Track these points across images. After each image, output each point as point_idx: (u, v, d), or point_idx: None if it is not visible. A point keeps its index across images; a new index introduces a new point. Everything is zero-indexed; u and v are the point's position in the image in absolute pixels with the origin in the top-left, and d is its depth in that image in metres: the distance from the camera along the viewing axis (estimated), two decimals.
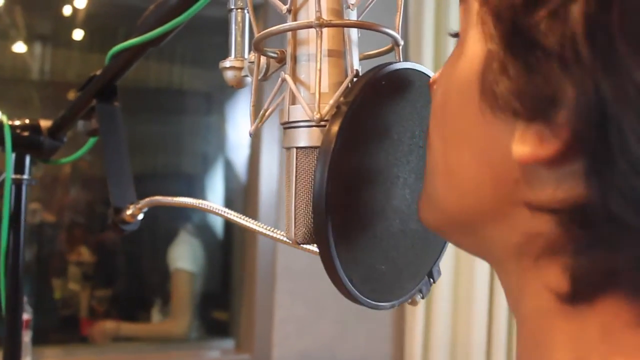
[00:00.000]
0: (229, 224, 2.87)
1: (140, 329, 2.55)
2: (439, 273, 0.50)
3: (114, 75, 0.74)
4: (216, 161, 3.06)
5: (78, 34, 3.09)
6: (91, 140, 0.82)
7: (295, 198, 0.43)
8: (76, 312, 2.83)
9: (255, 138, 2.25)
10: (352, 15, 0.44)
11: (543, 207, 0.31)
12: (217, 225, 2.96)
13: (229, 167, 2.93)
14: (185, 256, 2.53)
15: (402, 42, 0.46)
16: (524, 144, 0.30)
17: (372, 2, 0.46)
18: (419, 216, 0.41)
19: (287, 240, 0.51)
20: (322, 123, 0.41)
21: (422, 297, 0.49)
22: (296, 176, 0.43)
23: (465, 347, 2.17)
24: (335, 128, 0.38)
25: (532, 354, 0.34)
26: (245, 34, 0.53)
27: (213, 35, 2.95)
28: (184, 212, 2.73)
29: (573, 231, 0.30)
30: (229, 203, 2.85)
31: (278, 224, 2.15)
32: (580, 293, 0.31)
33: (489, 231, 0.35)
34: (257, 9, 2.32)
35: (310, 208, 0.43)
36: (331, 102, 0.40)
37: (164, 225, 2.75)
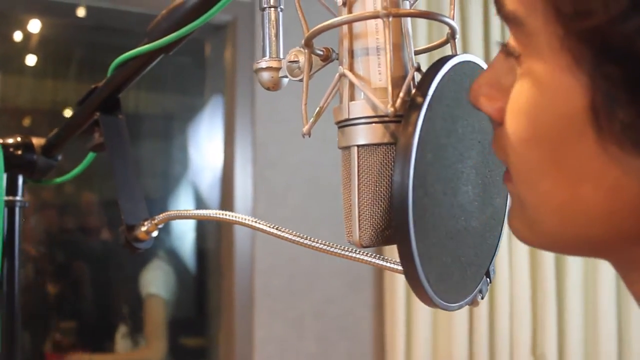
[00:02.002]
0: (201, 248, 2.81)
1: (114, 359, 2.46)
2: (494, 272, 0.48)
3: (118, 87, 0.70)
4: (182, 185, 3.01)
5: (31, 60, 3.01)
6: (90, 156, 0.78)
7: (358, 200, 0.41)
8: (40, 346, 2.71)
9: (228, 157, 2.22)
10: (408, 6, 0.43)
11: None
12: (188, 250, 2.89)
13: (196, 191, 2.89)
14: (158, 282, 2.46)
15: (458, 35, 0.44)
16: None
17: None
18: (520, 239, 0.38)
19: (343, 253, 0.48)
20: (387, 119, 0.40)
21: (482, 297, 0.47)
22: (359, 176, 0.41)
23: None
24: (413, 120, 0.37)
25: None
26: (280, 33, 0.51)
27: (170, 57, 2.91)
28: (156, 238, 2.66)
29: None
30: (200, 224, 2.79)
31: (254, 242, 2.11)
32: None
33: (624, 252, 0.33)
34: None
35: (378, 208, 0.41)
36: (401, 94, 0.39)
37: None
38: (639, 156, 0.28)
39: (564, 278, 2.26)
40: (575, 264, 2.25)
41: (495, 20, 2.27)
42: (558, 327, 2.25)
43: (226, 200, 2.23)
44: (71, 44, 3.04)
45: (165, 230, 2.76)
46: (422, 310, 2.15)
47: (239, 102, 2.19)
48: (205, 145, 2.78)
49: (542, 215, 0.34)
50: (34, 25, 2.76)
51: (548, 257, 2.23)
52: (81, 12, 2.41)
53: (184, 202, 2.97)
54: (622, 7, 0.26)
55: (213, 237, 2.55)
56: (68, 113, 3.19)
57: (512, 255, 2.22)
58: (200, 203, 2.82)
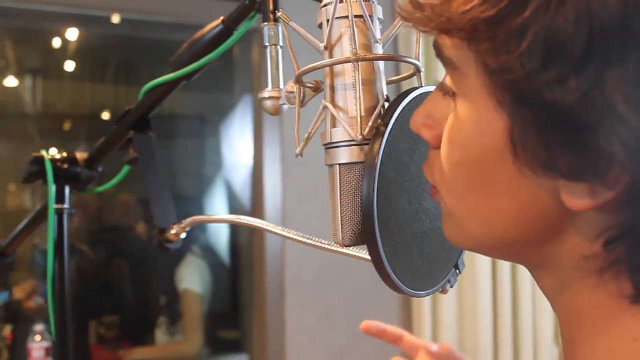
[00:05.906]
0: (234, 244, 2.93)
1: (152, 352, 2.60)
2: (464, 265, 0.57)
3: (148, 108, 0.81)
4: (215, 183, 3.12)
5: (69, 65, 3.16)
6: (125, 168, 0.89)
7: (340, 207, 0.50)
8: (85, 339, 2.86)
9: (257, 155, 2.32)
10: (379, 48, 0.52)
11: (595, 235, 0.37)
12: (222, 245, 3.01)
13: (229, 188, 3.00)
14: (192, 277, 2.58)
15: (422, 69, 0.53)
16: (575, 197, 0.35)
17: (392, 36, 0.54)
18: (451, 241, 0.46)
19: (341, 250, 0.58)
20: (363, 142, 0.49)
21: (451, 286, 0.56)
22: (340, 188, 0.50)
23: (473, 348, 2.24)
24: (377, 146, 0.46)
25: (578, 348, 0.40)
26: (279, 67, 0.60)
27: None
28: (190, 235, 2.78)
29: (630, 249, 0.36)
30: None
31: (285, 240, 2.21)
32: None
33: (533, 252, 0.41)
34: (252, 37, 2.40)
35: (355, 215, 0.50)
36: (370, 124, 0.48)
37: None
38: (545, 176, 0.36)
39: None
40: None
41: None
42: None
43: (257, 197, 2.33)
44: (107, 51, 3.19)
45: (200, 227, 2.88)
46: (448, 300, 2.22)
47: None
48: (237, 143, 2.89)
49: (467, 223, 0.42)
50: (72, 34, 2.90)
51: None
52: (115, 19, 2.54)
53: (218, 199, 3.10)
54: (535, 66, 0.33)
55: (245, 232, 2.66)
56: (105, 115, 3.35)
57: None
58: (233, 200, 2.93)
